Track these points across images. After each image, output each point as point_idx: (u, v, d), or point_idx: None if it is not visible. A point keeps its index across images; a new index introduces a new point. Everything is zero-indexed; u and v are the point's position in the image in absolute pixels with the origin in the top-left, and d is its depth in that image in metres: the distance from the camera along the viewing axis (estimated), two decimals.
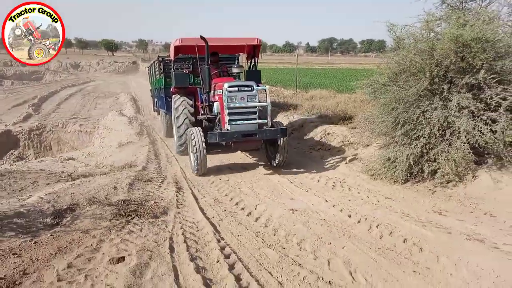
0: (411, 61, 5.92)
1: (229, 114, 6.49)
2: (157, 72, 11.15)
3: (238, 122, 6.56)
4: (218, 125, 7.06)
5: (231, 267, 3.48)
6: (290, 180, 6.38)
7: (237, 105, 6.52)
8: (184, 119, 7.73)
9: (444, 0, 7.04)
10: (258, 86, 6.81)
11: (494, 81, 5.35)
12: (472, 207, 4.89)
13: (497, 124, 5.31)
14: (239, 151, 8.53)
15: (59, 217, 4.35)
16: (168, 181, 6.33)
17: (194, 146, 6.45)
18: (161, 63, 10.26)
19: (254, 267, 3.55)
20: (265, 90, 6.76)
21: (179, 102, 7.86)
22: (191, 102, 7.93)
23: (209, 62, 7.39)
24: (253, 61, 8.38)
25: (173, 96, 8.20)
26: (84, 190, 5.33)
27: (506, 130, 5.26)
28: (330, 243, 4.01)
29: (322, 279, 3.35)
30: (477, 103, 5.42)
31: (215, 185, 6.25)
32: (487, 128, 5.33)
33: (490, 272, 3.35)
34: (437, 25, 6.48)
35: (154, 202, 5.16)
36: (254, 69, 8.38)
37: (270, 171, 7.03)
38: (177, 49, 7.89)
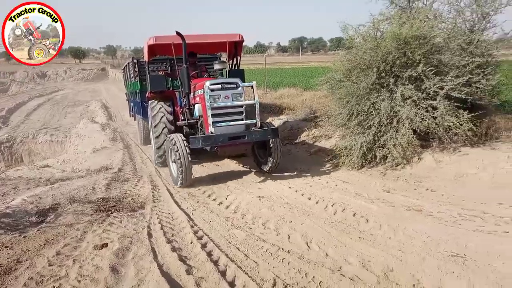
0: (361, 58, 6.62)
1: (212, 115, 5.97)
2: (132, 75, 10.66)
3: (223, 124, 6.03)
4: (201, 129, 6.58)
5: (204, 246, 4.00)
6: (258, 173, 6.95)
7: (222, 104, 6.03)
8: (163, 129, 7.12)
9: (392, 1, 7.84)
10: (243, 82, 6.42)
11: (432, 73, 6.11)
12: (416, 184, 5.61)
13: (437, 111, 6.07)
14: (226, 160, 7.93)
15: (43, 215, 4.76)
16: (144, 180, 6.78)
17: (177, 153, 5.83)
18: (136, 65, 9.81)
19: (224, 245, 4.09)
20: (252, 87, 6.22)
21: (157, 109, 7.24)
22: (169, 109, 7.31)
23: (187, 61, 6.83)
24: (235, 60, 8.00)
25: (150, 101, 7.52)
26: (64, 192, 5.73)
27: (444, 115, 6.03)
28: (291, 221, 4.60)
29: (283, 249, 3.93)
30: (419, 93, 6.17)
31: None
32: (429, 115, 6.09)
33: (423, 234, 4.02)
34: (385, 24, 7.25)
35: (132, 199, 5.62)
36: (236, 68, 8.03)
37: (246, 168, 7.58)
38: (152, 49, 7.28)
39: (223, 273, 3.42)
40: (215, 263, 3.61)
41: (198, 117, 6.65)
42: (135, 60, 9.97)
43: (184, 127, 7.11)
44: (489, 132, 6.53)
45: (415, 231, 4.08)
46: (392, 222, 4.33)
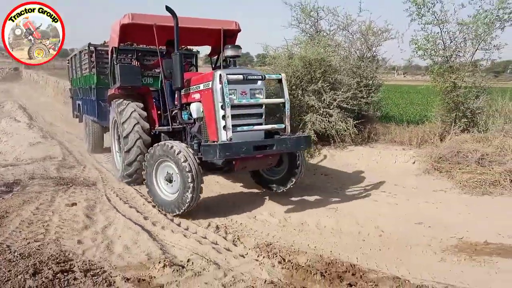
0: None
1: (232, 116, 4.58)
2: (84, 67, 9.07)
3: (245, 128, 4.71)
4: (194, 137, 5.32)
5: (154, 207, 5.38)
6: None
7: (244, 102, 4.67)
8: (136, 140, 5.72)
9: (303, 30, 10.01)
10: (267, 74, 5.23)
11: (328, 88, 8.22)
12: (314, 172, 7.56)
13: (332, 117, 8.17)
14: None
15: (10, 187, 5.75)
16: (89, 168, 7.84)
17: (188, 174, 4.42)
18: (93, 54, 8.22)
19: None
20: (280, 80, 4.96)
21: (128, 114, 5.77)
22: (144, 114, 5.91)
23: (167, 53, 6.03)
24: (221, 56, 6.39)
25: (115, 101, 6.08)
26: (19, 172, 6.65)
27: (337, 121, 8.14)
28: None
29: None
30: (319, 103, 8.22)
31: None
32: (326, 120, 8.15)
33: (315, 198, 5.86)
34: (297, 48, 9.32)
35: (83, 179, 6.74)
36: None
37: None
38: (125, 30, 5.66)
39: (171, 219, 4.86)
40: (165, 214, 5.02)
41: (193, 120, 5.31)
42: (92, 48, 8.26)
43: (162, 135, 5.94)
44: (371, 135, 8.84)
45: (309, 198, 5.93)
46: (286, 196, 6.14)
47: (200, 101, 5.05)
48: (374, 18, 18.95)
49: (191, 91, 5.25)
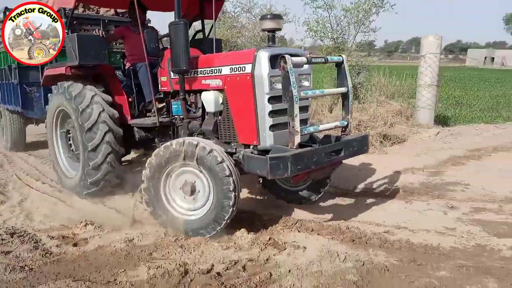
0: None
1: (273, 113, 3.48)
2: None
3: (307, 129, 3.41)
4: (213, 134, 3.94)
5: None
6: None
7: (310, 93, 3.49)
8: (105, 134, 4.29)
9: None
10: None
11: None
12: None
13: None
14: None
15: None
16: None
17: (226, 177, 3.27)
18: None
19: None
20: (342, 63, 3.68)
21: (88, 97, 4.33)
22: (109, 99, 4.50)
23: (133, 21, 5.02)
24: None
25: (61, 84, 4.62)
26: None
27: None
28: None
29: None
30: None
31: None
32: None
33: None
34: None
35: None
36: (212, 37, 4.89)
37: None
38: None
39: None
40: None
41: (200, 115, 4.12)
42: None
43: (136, 131, 4.69)
44: None
45: None
46: None
47: (220, 90, 3.78)
48: (274, 2, 20.15)
49: (203, 75, 3.93)
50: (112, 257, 3.15)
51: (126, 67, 5.09)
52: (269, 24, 3.71)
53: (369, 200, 4.58)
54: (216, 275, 2.82)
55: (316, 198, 4.41)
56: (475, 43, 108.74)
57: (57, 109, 4.86)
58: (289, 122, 3.19)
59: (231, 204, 3.29)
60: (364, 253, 3.18)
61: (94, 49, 4.37)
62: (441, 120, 8.74)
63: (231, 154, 3.62)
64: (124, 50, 5.48)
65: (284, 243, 3.30)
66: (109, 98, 4.48)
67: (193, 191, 3.51)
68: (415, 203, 4.41)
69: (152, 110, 4.47)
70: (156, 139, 4.57)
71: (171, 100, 4.30)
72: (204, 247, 3.24)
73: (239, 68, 3.56)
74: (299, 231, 3.66)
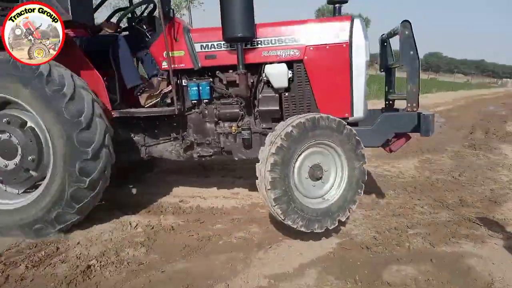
0: None
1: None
2: None
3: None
4: (257, 117, 3.63)
5: None
6: None
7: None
8: (106, 134, 3.09)
9: None
10: None
11: None
12: None
13: None
14: None
15: None
16: None
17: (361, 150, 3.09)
18: None
19: None
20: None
21: (68, 77, 2.76)
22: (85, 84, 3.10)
23: None
24: None
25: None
26: None
27: None
28: None
29: None
30: None
31: None
32: None
33: None
34: None
35: None
36: None
37: None
38: None
39: None
40: None
41: (248, 95, 3.49)
42: None
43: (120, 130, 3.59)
44: None
45: None
46: None
47: (290, 61, 3.42)
48: None
49: (266, 45, 3.39)
50: None
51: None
52: None
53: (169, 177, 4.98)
54: None
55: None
56: None
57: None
58: (409, 86, 3.24)
59: (360, 183, 3.10)
60: (156, 219, 3.53)
61: (82, 6, 3.10)
62: None
63: None
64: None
65: None
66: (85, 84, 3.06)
67: (317, 177, 3.06)
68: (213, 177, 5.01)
69: (168, 95, 3.55)
70: (144, 140, 3.69)
71: (196, 80, 3.45)
72: None
73: (329, 37, 3.35)
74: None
